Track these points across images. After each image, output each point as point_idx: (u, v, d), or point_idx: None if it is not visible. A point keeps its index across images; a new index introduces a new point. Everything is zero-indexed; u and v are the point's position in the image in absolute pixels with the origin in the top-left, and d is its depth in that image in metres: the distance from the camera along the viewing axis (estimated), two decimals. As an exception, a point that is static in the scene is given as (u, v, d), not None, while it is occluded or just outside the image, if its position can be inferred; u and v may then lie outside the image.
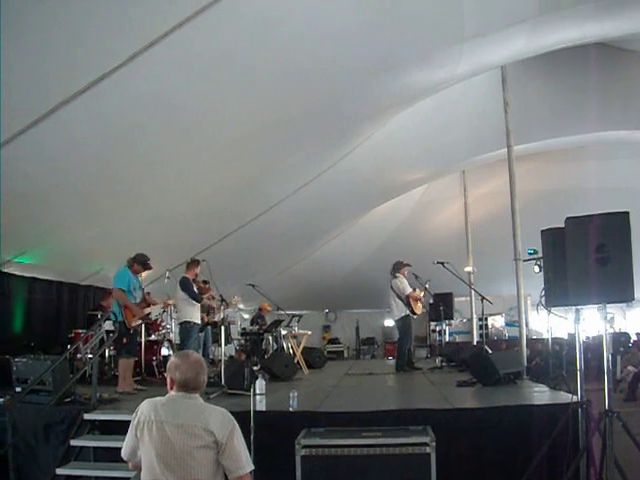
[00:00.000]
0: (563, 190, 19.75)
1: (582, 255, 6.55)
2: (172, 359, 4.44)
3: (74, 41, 7.96)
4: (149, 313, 11.02)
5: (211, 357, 13.69)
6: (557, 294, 7.30)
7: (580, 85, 15.65)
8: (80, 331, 12.83)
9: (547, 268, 7.67)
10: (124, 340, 10.57)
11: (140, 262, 10.86)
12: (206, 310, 13.30)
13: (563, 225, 6.92)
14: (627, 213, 6.52)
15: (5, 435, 7.06)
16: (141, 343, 11.89)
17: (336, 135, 13.78)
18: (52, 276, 15.00)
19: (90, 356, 11.01)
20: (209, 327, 13.50)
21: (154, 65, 8.68)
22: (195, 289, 11.87)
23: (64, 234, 12.58)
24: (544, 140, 17.10)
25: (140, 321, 10.79)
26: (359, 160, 15.47)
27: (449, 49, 11.10)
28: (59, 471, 7.41)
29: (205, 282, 13.30)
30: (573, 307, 7.29)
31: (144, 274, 11.42)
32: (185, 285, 11.70)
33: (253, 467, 4.20)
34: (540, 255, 7.99)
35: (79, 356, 11.90)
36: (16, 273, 13.68)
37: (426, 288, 14.62)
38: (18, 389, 8.63)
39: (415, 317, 14.28)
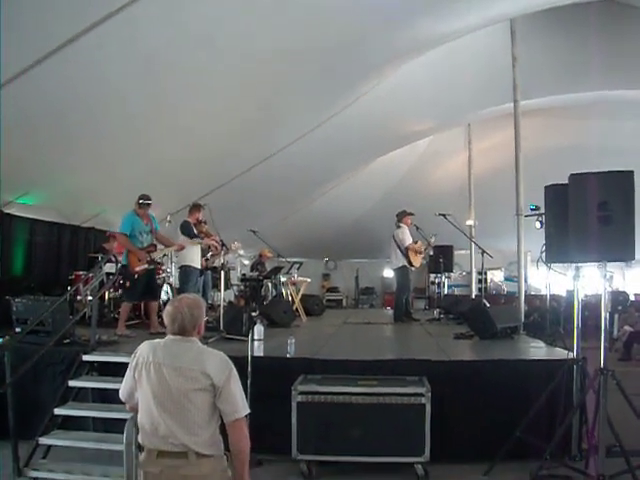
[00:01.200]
0: (566, 147, 19.62)
1: (584, 212, 6.53)
2: (168, 304, 4.49)
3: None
4: (152, 259, 10.92)
5: (210, 302, 13.68)
6: (558, 250, 7.32)
7: (588, 42, 15.45)
8: (80, 273, 12.85)
9: (549, 224, 7.68)
10: (127, 284, 10.60)
11: (137, 200, 10.83)
12: (206, 255, 13.28)
13: (566, 182, 6.89)
14: (632, 172, 6.49)
15: (4, 375, 7.09)
16: (155, 286, 11.83)
17: (344, 81, 13.63)
18: (54, 218, 14.99)
19: (90, 298, 11.02)
20: (209, 272, 13.49)
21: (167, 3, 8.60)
22: (196, 233, 11.85)
23: (67, 176, 12.54)
24: (550, 96, 16.95)
25: (146, 265, 10.77)
26: (366, 108, 15.35)
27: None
28: (57, 411, 7.46)
29: (201, 222, 13.31)
30: (573, 264, 7.30)
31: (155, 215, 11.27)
32: (185, 228, 11.67)
33: (249, 411, 4.23)
34: (542, 211, 7.98)
35: (79, 298, 11.94)
36: (17, 214, 13.68)
37: (429, 243, 14.63)
38: (18, 329, 8.64)
39: (413, 269, 14.31)
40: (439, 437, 7.12)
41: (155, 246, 11.09)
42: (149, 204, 10.91)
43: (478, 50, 15.24)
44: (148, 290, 10.90)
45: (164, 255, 12.04)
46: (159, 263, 11.33)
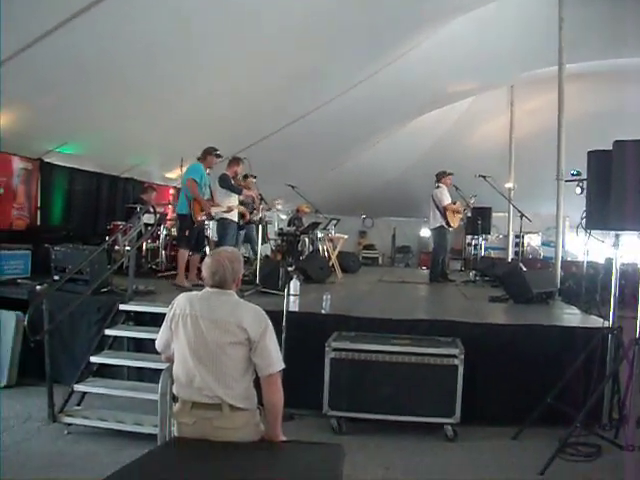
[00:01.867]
0: (610, 113, 19.27)
1: (628, 180, 6.45)
2: (206, 257, 4.53)
3: None
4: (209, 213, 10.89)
5: (247, 255, 13.74)
6: (597, 217, 7.22)
7: (634, 7, 15.16)
8: (119, 223, 12.93)
9: (590, 190, 7.57)
10: (186, 232, 10.59)
11: (212, 152, 10.73)
12: (250, 208, 13.33)
13: (609, 148, 6.80)
14: (678, 141, 6.38)
15: (42, 322, 7.20)
16: (203, 239, 11.90)
17: (389, 36, 13.48)
18: (93, 167, 15.15)
19: (128, 248, 11.10)
20: (252, 225, 13.50)
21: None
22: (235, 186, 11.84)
23: (107, 125, 12.58)
24: (595, 60, 16.69)
25: (205, 217, 10.76)
26: (408, 67, 15.24)
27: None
28: (93, 359, 7.55)
29: (246, 176, 13.43)
30: (612, 232, 7.23)
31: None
32: (224, 181, 11.60)
33: (284, 366, 4.28)
34: (583, 177, 7.89)
35: (117, 248, 12.04)
36: (57, 163, 13.80)
37: (468, 205, 14.57)
38: (56, 277, 8.76)
39: (451, 229, 14.28)
40: (470, 399, 7.14)
41: (213, 200, 11.10)
42: (220, 156, 10.94)
43: (524, 10, 14.99)
44: (196, 242, 10.92)
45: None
46: (213, 218, 11.32)
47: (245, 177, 13.56)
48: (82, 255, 8.77)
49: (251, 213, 13.35)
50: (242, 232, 13.01)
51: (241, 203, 12.49)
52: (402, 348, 7.20)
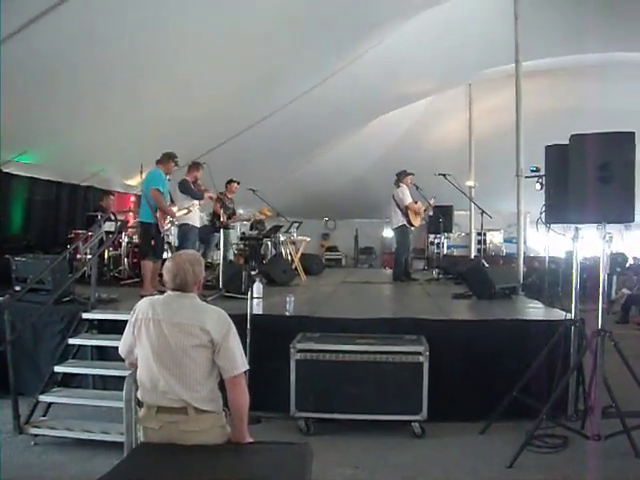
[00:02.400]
0: (568, 109, 19.46)
1: (585, 173, 6.50)
2: (167, 261, 4.52)
3: None
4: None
5: (209, 260, 13.70)
6: (557, 211, 7.30)
7: (593, 3, 15.34)
8: (80, 232, 12.82)
9: (549, 184, 7.66)
10: (152, 242, 10.38)
11: (173, 158, 10.60)
12: (229, 212, 13.39)
13: (567, 143, 6.87)
14: (633, 133, 6.44)
15: (4, 333, 7.13)
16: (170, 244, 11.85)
17: (344, 40, 13.56)
18: (52, 176, 15.00)
19: (89, 256, 11.01)
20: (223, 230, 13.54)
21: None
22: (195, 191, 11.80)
23: (66, 134, 12.51)
24: (552, 57, 16.86)
25: (170, 224, 10.73)
26: (367, 67, 15.31)
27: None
28: (57, 369, 7.50)
29: (231, 181, 14.01)
30: (572, 225, 7.30)
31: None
32: (184, 187, 11.54)
33: (248, 367, 4.29)
34: (542, 173, 7.97)
35: (78, 256, 11.94)
36: (16, 173, 13.66)
37: (430, 204, 14.64)
38: (17, 288, 8.65)
39: (413, 229, 14.34)
40: (436, 396, 7.16)
41: (174, 205, 11.05)
42: (178, 165, 10.87)
43: (479, 9, 15.10)
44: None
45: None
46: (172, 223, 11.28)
47: (230, 182, 13.88)
48: (43, 265, 8.67)
49: (229, 218, 13.35)
50: (217, 235, 12.91)
51: (222, 206, 12.51)
52: (367, 347, 7.22)
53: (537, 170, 8.31)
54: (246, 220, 16.14)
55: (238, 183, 14.17)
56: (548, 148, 7.62)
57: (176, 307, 4.22)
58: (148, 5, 9.57)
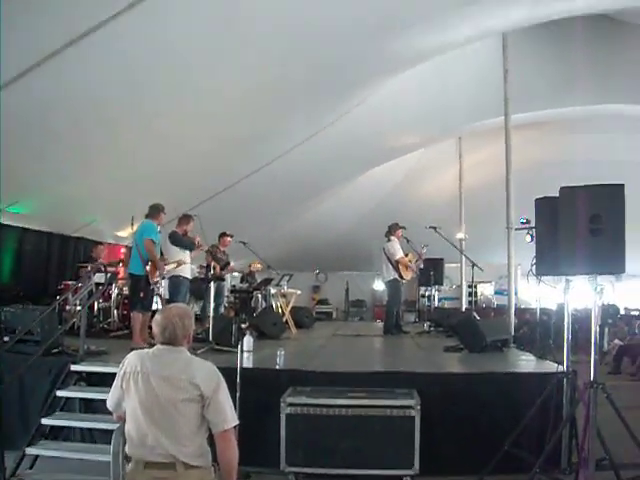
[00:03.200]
0: (557, 161, 19.71)
1: (575, 225, 6.52)
2: (156, 314, 4.48)
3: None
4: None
5: (198, 313, 13.61)
6: (548, 263, 7.31)
7: (579, 57, 15.58)
8: (70, 283, 12.78)
9: (539, 236, 7.68)
10: (141, 294, 10.28)
11: (160, 209, 10.58)
12: (222, 263, 13.38)
13: (557, 195, 6.90)
14: (622, 185, 6.48)
15: (-9, 384, 7.08)
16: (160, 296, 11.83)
17: (334, 96, 13.71)
18: (43, 227, 15.00)
19: (79, 308, 10.96)
20: (223, 282, 13.54)
21: (155, 15, 8.59)
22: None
23: (57, 185, 12.52)
24: (542, 110, 17.07)
25: (159, 277, 10.67)
26: (355, 122, 15.41)
27: (451, 11, 10.99)
28: (44, 421, 7.45)
29: (224, 234, 14.08)
30: (563, 277, 7.31)
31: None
32: (174, 238, 11.51)
33: (238, 422, 4.22)
34: (532, 225, 7.99)
35: (68, 308, 11.89)
36: (7, 223, 13.64)
37: (420, 255, 14.66)
38: (6, 338, 8.59)
39: (404, 282, 14.33)
40: (428, 450, 7.10)
41: (165, 258, 11.03)
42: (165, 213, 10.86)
43: (469, 63, 15.32)
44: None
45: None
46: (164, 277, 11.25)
47: (223, 235, 13.96)
48: (32, 315, 8.64)
49: (222, 269, 13.33)
50: (212, 285, 12.82)
51: (214, 259, 12.50)
52: (358, 401, 7.17)
53: (527, 222, 8.36)
54: (238, 272, 16.13)
55: (231, 236, 14.20)
56: (538, 201, 7.66)
57: (165, 361, 4.17)
58: (132, 64, 9.65)
